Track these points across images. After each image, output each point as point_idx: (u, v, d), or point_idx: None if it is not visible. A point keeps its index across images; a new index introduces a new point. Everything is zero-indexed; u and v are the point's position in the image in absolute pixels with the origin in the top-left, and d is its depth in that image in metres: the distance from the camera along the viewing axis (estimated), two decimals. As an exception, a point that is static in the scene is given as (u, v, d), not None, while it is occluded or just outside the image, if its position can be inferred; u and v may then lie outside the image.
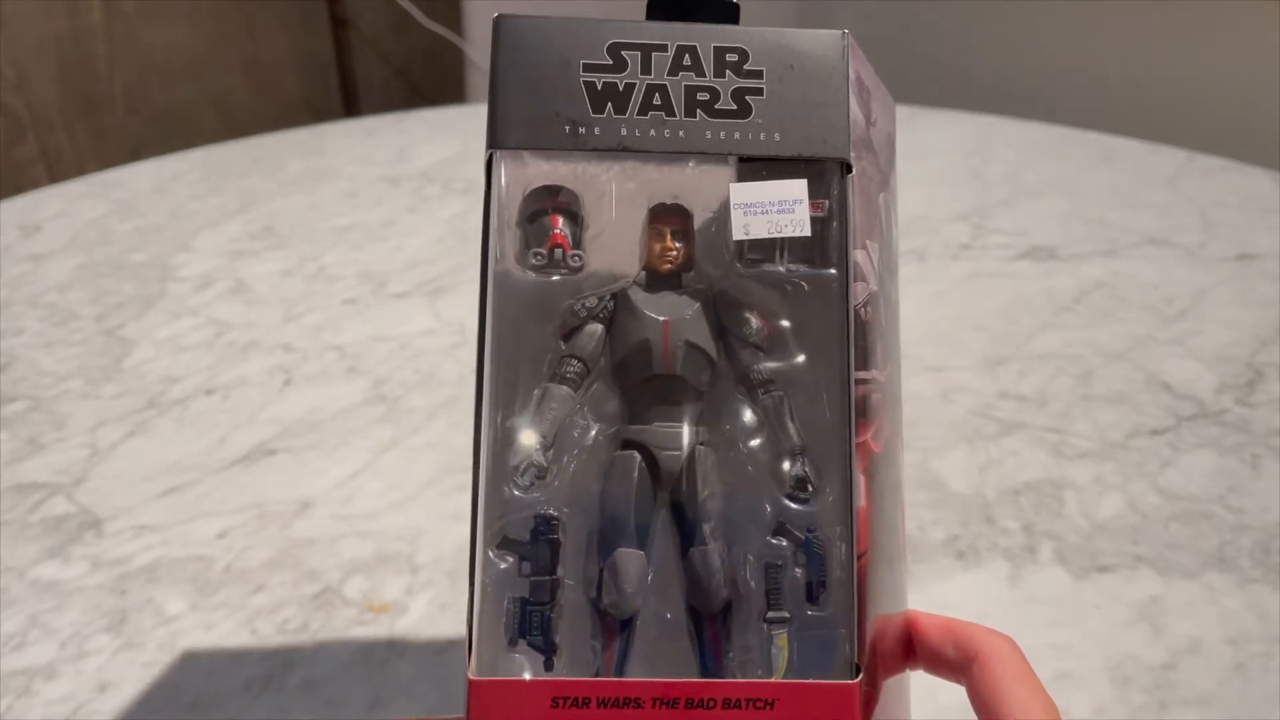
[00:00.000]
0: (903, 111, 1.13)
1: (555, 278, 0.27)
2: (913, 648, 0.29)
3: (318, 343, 0.70)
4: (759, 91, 0.27)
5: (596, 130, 0.27)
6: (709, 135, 0.27)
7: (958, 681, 0.28)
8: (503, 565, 0.26)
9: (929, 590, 0.49)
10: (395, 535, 0.52)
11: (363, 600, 0.48)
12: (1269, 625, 0.47)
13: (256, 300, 0.75)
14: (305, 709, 0.43)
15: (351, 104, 1.75)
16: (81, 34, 1.38)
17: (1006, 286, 0.76)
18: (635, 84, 0.27)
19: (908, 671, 0.31)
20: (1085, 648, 0.46)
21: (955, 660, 0.28)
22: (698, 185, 0.28)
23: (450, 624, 0.47)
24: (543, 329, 0.27)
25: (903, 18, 1.40)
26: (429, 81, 1.85)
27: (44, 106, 1.37)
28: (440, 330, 0.71)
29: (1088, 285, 0.76)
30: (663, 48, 0.27)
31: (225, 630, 0.47)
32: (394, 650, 0.46)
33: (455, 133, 1.07)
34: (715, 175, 0.27)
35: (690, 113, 0.27)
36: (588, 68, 0.27)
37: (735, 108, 0.27)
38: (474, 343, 0.27)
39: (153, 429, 0.61)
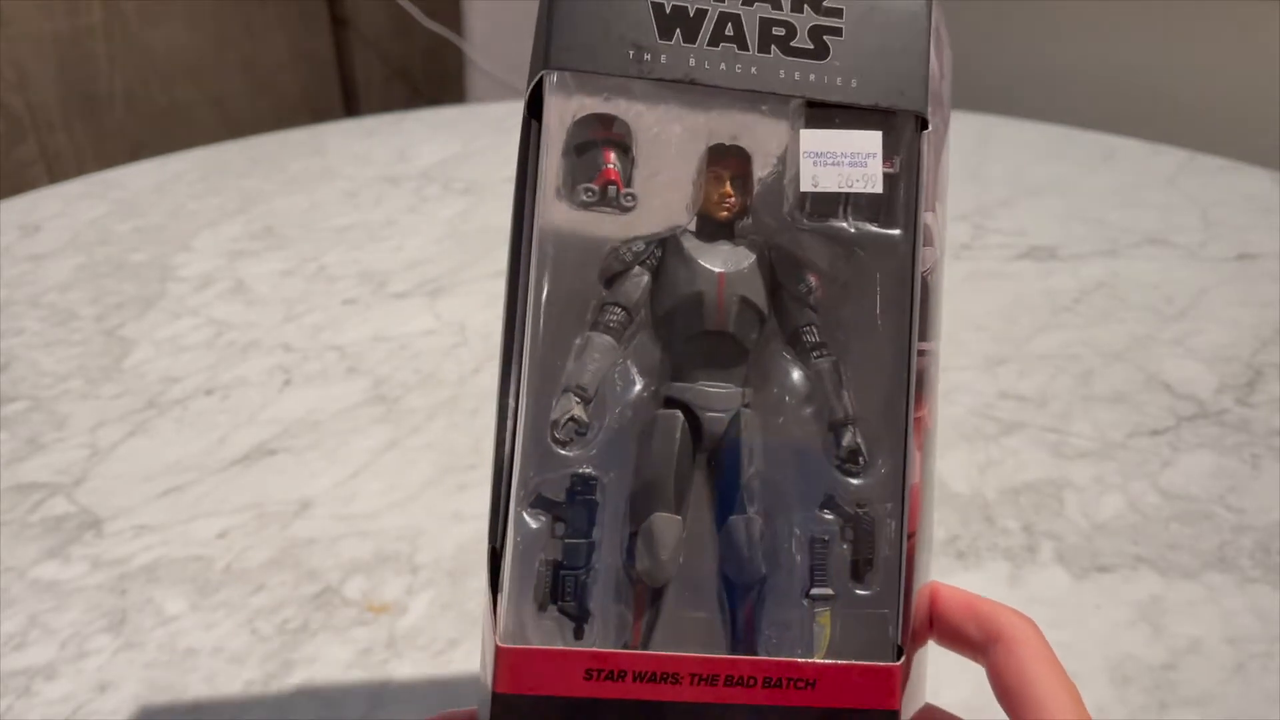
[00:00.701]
0: (903, 111, 1.13)
1: (604, 216, 0.25)
2: (932, 621, 0.28)
3: (318, 343, 0.70)
4: (838, 32, 0.25)
5: (663, 58, 0.25)
6: (782, 75, 0.25)
7: (975, 660, 0.27)
8: (535, 525, 0.25)
9: (929, 590, 0.49)
10: (395, 535, 0.52)
11: (363, 600, 0.48)
12: (1269, 625, 0.47)
13: (256, 300, 0.75)
14: (305, 709, 0.43)
15: (351, 104, 1.75)
16: (81, 34, 1.38)
17: (1006, 286, 0.76)
18: (707, 10, 0.25)
19: (928, 648, 0.30)
20: (1085, 648, 0.46)
21: (976, 639, 0.27)
22: (761, 128, 0.26)
23: (451, 624, 0.47)
24: (586, 272, 0.26)
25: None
26: (429, 81, 1.85)
27: (44, 106, 1.37)
28: (440, 330, 0.71)
29: (1088, 285, 0.76)
30: None
31: (225, 630, 0.47)
32: (394, 650, 0.46)
33: (455, 133, 1.07)
34: (781, 119, 0.26)
35: (764, 48, 0.25)
36: None
37: (812, 47, 0.25)
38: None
39: (153, 429, 0.61)
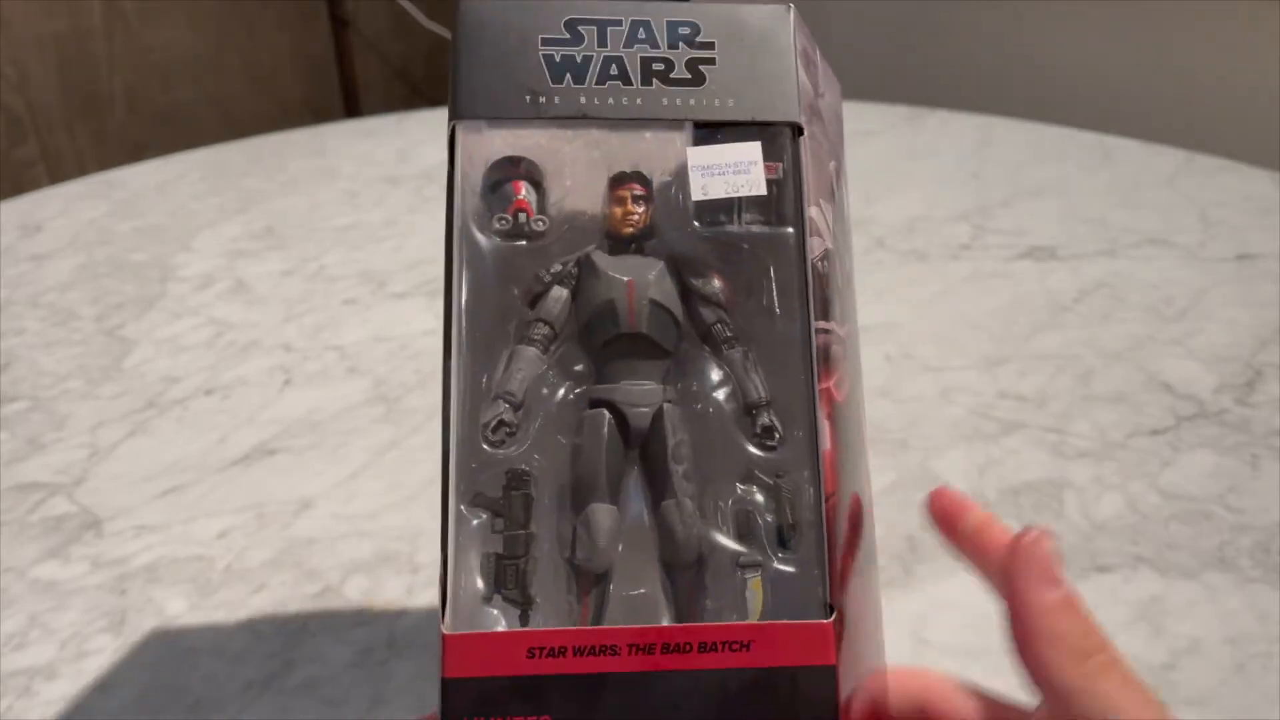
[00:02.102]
0: (903, 111, 1.13)
1: (520, 243, 0.28)
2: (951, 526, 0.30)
3: (318, 343, 0.70)
4: (711, 61, 0.28)
5: (556, 99, 0.28)
6: (665, 102, 0.28)
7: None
8: (475, 522, 0.26)
9: (929, 590, 0.49)
10: (395, 535, 0.52)
11: (363, 600, 0.48)
12: (1269, 625, 0.47)
13: (256, 300, 0.75)
14: (305, 709, 0.43)
15: (351, 104, 1.75)
16: (81, 34, 1.38)
17: (1006, 286, 0.76)
18: (593, 55, 0.28)
19: (879, 616, 0.31)
20: (1085, 648, 0.46)
21: (998, 571, 0.28)
22: (655, 153, 0.29)
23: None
24: (508, 294, 0.28)
25: (902, 17, 1.40)
26: (429, 81, 1.85)
27: (44, 106, 1.37)
28: (440, 330, 0.71)
29: (1088, 285, 0.76)
30: (617, 23, 0.28)
31: (225, 630, 0.47)
32: (394, 650, 0.46)
33: (455, 133, 1.07)
34: (672, 143, 0.29)
35: (646, 81, 0.28)
36: (546, 42, 0.28)
37: (690, 76, 0.28)
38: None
39: (153, 429, 0.61)
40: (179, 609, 0.48)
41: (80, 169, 1.36)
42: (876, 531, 0.32)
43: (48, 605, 0.48)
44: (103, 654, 0.46)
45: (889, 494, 0.54)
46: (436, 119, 1.13)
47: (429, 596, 0.49)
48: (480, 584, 0.26)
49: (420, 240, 0.84)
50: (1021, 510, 0.53)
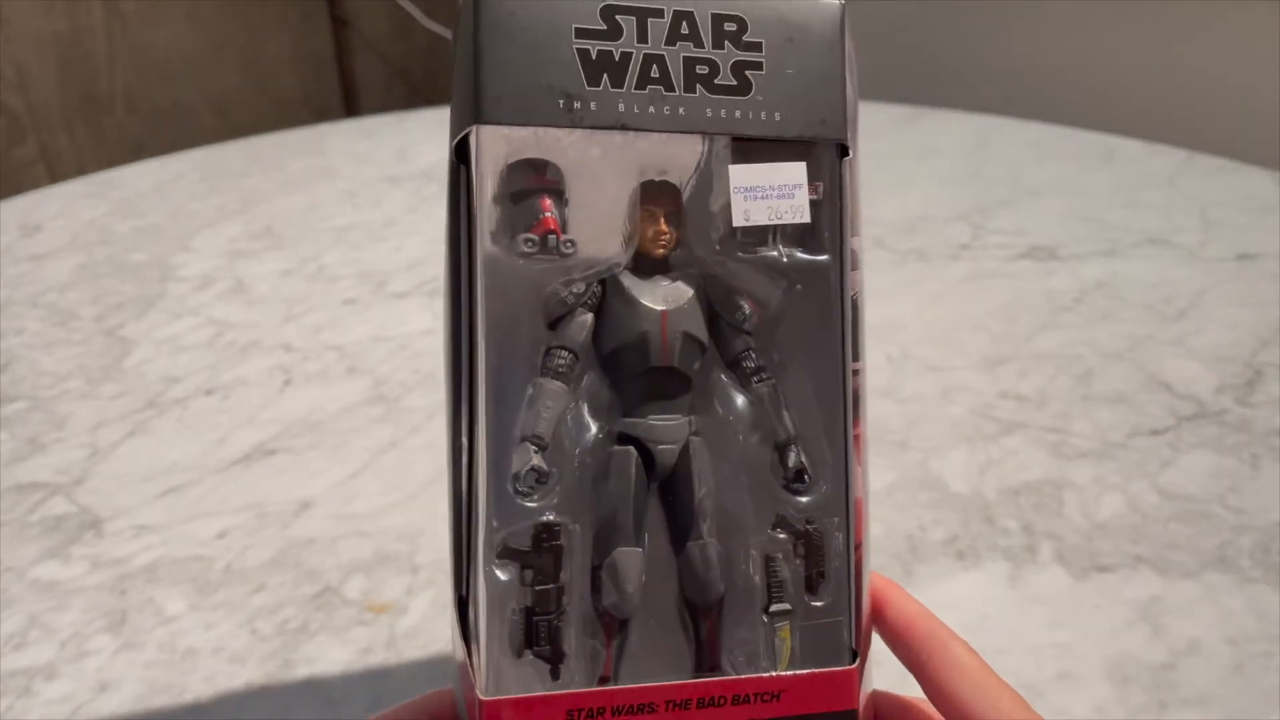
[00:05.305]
0: (903, 111, 1.13)
1: (544, 265, 0.26)
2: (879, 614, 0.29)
3: (318, 343, 0.70)
4: (758, 66, 0.26)
5: (593, 105, 0.25)
6: (709, 113, 0.25)
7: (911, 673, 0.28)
8: (504, 577, 0.25)
9: (929, 590, 0.49)
10: (395, 535, 0.52)
11: (363, 600, 0.48)
12: (1269, 625, 0.47)
13: (256, 300, 0.75)
14: (305, 709, 0.43)
15: (351, 104, 1.75)
16: (81, 34, 1.38)
17: (1006, 286, 0.76)
18: (632, 53, 0.25)
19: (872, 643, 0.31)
20: (1085, 648, 0.46)
21: (908, 658, 0.28)
22: (676, 154, 0.26)
23: (451, 624, 0.47)
24: (532, 320, 0.26)
25: (902, 17, 1.40)
26: (429, 81, 1.85)
27: (44, 106, 1.37)
28: (440, 330, 0.71)
29: (1088, 285, 0.76)
30: (659, 13, 0.25)
31: (225, 630, 0.47)
32: (394, 650, 0.46)
33: (455, 133, 1.07)
34: (689, 143, 0.26)
35: (690, 88, 0.25)
36: (581, 33, 0.25)
37: (735, 83, 0.26)
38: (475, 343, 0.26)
39: (153, 429, 0.61)
40: (179, 609, 0.48)
41: (80, 169, 1.36)
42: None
43: (48, 605, 0.48)
44: (103, 654, 0.46)
45: (889, 494, 0.54)
46: (436, 118, 1.13)
47: (429, 596, 0.49)
48: (510, 640, 0.25)
49: (420, 240, 0.84)
50: (1022, 510, 0.54)
